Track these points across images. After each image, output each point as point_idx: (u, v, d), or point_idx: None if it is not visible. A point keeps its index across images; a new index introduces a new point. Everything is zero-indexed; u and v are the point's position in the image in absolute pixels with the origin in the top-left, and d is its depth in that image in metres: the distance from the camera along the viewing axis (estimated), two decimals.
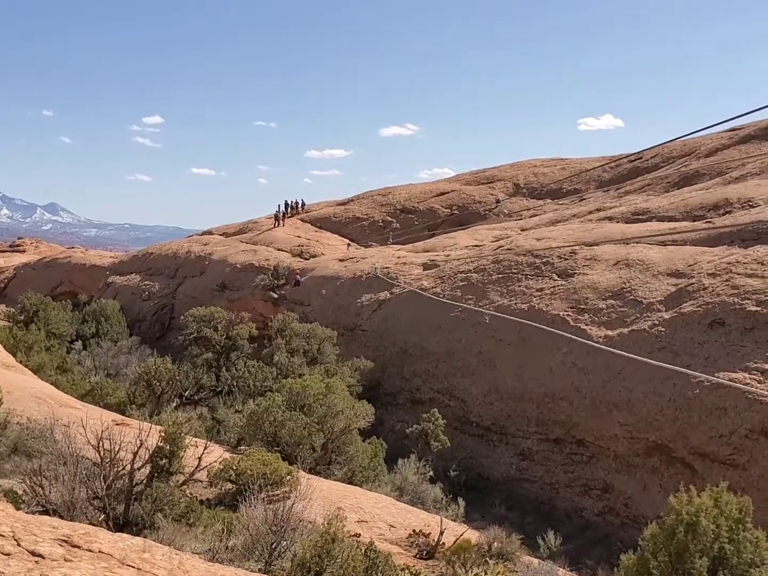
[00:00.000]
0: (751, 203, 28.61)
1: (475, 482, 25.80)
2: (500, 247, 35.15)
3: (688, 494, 14.86)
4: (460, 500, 22.32)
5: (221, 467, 15.83)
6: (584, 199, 45.89)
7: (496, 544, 14.28)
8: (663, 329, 23.24)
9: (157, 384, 29.35)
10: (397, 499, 19.43)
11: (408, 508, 17.85)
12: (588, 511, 22.81)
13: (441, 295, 33.61)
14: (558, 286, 28.79)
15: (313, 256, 50.66)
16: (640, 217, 33.36)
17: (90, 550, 5.63)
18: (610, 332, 24.64)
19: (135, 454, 13.03)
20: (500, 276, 31.91)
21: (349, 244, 53.30)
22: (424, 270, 37.70)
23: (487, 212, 52.33)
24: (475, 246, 39.18)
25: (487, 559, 14.13)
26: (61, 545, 5.61)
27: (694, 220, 29.88)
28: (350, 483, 20.75)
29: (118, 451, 12.66)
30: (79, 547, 5.65)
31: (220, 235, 65.98)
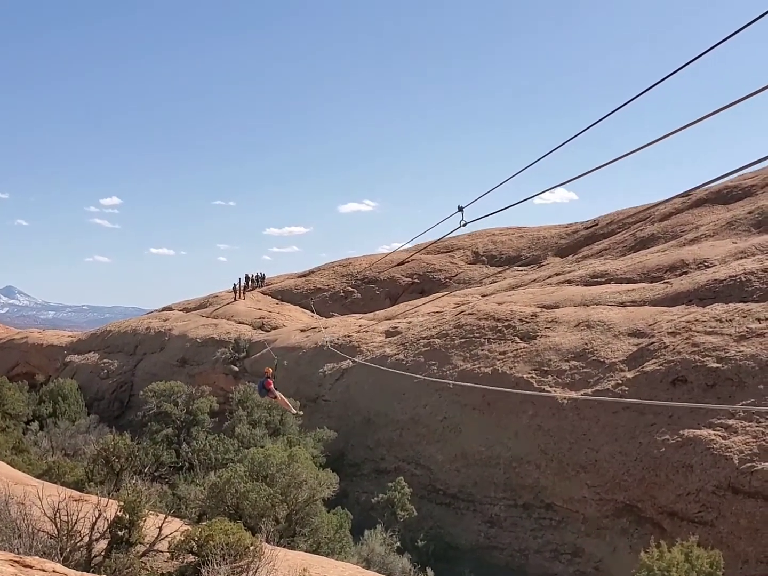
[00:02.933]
0: (706, 263, 29.12)
1: (443, 552, 25.20)
2: (462, 312, 35.22)
3: (659, 549, 14.69)
4: (429, 571, 21.78)
5: (182, 538, 15.22)
6: (543, 265, 46.43)
7: None
8: (626, 388, 23.26)
9: (116, 461, 28.52)
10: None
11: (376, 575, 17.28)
12: None
13: (404, 362, 33.44)
14: (521, 348, 28.80)
15: (275, 328, 50.32)
16: (598, 279, 33.75)
17: (43, 570, 5.31)
18: (574, 393, 24.57)
19: (93, 525, 12.53)
20: (463, 341, 31.87)
21: (312, 315, 53.10)
22: (386, 337, 37.56)
23: (447, 280, 52.65)
24: (437, 312, 39.22)
25: None
26: (12, 565, 5.27)
27: (651, 281, 30.28)
28: (315, 554, 20.10)
29: (75, 523, 12.16)
30: (31, 567, 5.32)
31: (180, 310, 65.40)
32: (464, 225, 9.62)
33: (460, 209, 9.47)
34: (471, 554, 24.79)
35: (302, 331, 45.22)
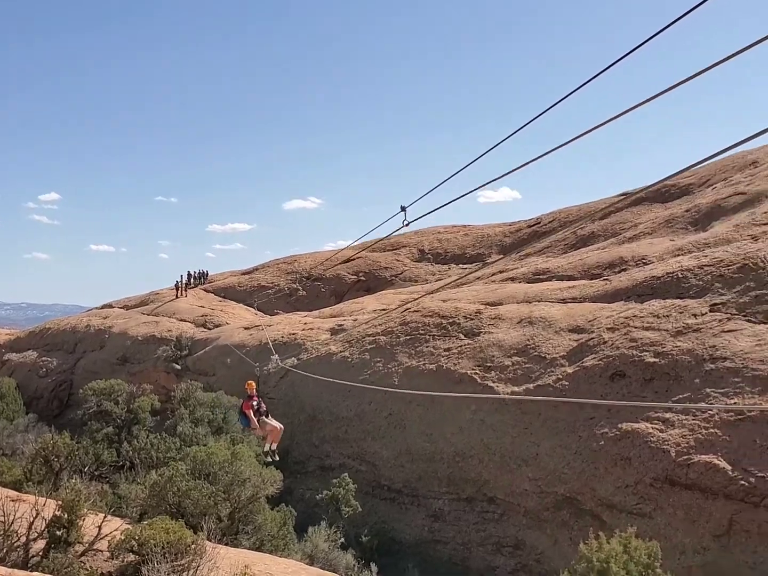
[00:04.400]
0: (644, 261, 29.72)
1: (387, 547, 25.28)
2: (407, 309, 35.35)
3: (598, 541, 14.94)
4: (373, 566, 21.84)
5: (123, 537, 15.00)
6: (487, 262, 46.87)
7: None
8: (567, 383, 23.62)
9: (55, 460, 27.99)
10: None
11: (319, 572, 17.29)
12: (501, 569, 22.59)
13: (350, 359, 33.44)
14: (465, 345, 29.03)
15: (218, 326, 49.87)
16: (540, 276, 34.21)
17: None
18: (516, 388, 24.87)
19: (30, 524, 12.26)
20: (408, 338, 32.00)
21: (256, 313, 52.75)
22: (331, 335, 37.48)
23: (393, 278, 52.83)
24: (383, 310, 39.30)
25: None
26: None
27: (592, 279, 30.80)
28: (258, 552, 20.00)
29: (11, 523, 11.88)
30: None
31: (121, 307, 64.45)
32: (407, 225, 9.67)
33: (403, 209, 9.52)
34: (415, 548, 24.93)
35: (246, 329, 44.87)
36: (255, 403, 17.04)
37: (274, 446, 17.75)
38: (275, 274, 60.52)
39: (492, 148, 7.41)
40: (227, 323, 49.89)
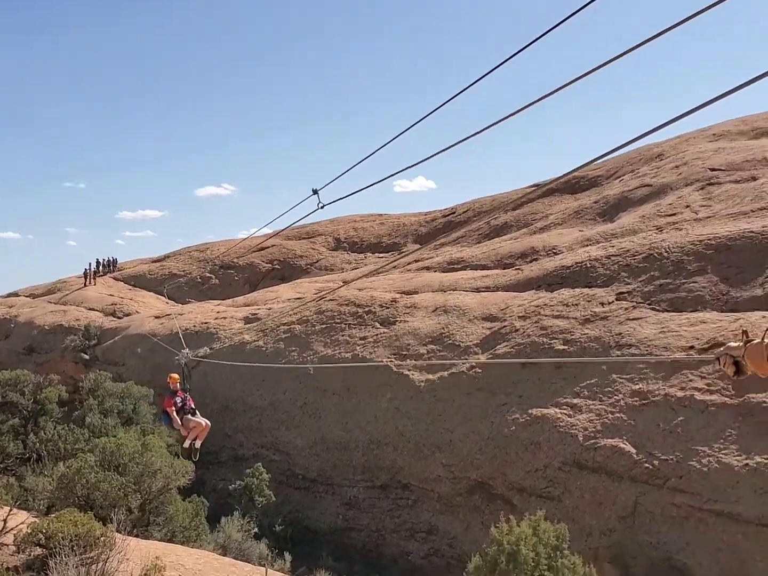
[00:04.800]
0: (555, 251, 30.41)
1: (301, 535, 25.26)
2: (323, 298, 35.26)
3: (508, 525, 15.25)
4: (287, 554, 21.81)
5: (29, 530, 14.54)
6: (403, 251, 47.15)
7: None
8: (480, 370, 23.99)
9: None
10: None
11: (232, 561, 17.14)
12: (414, 554, 22.85)
13: (264, 348, 33.17)
14: (381, 333, 29.16)
15: (128, 315, 48.77)
16: (455, 266, 34.63)
17: None
18: (431, 376, 25.12)
19: None
20: (324, 326, 31.93)
21: (167, 301, 51.75)
22: (245, 324, 37.10)
23: (309, 266, 52.61)
24: (298, 298, 39.11)
25: None
26: None
27: (504, 268, 31.35)
28: (170, 543, 19.70)
29: None
30: None
31: (27, 296, 62.37)
32: (322, 207, 9.59)
33: (315, 192, 9.43)
34: (329, 536, 24.98)
35: (157, 317, 44.00)
36: (179, 399, 15.05)
37: (198, 444, 15.61)
38: (187, 262, 59.51)
39: (399, 135, 7.43)
40: (137, 312, 48.84)
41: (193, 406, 15.35)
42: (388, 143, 7.67)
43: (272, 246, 54.69)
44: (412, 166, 7.77)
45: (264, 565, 18.63)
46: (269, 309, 38.45)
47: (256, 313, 38.06)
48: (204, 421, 15.30)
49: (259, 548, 22.41)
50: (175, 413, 14.91)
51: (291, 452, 28.46)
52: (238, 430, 30.87)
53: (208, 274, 56.17)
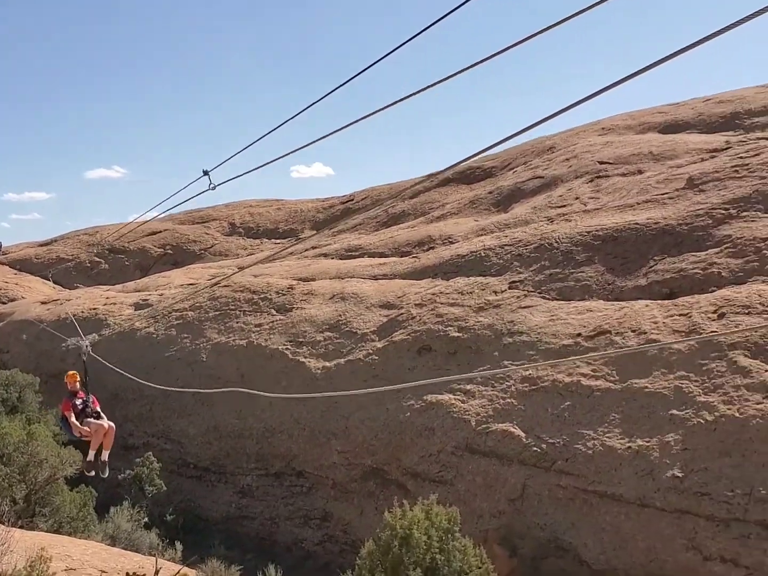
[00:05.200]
0: (451, 240, 30.84)
1: (193, 525, 24.90)
2: (217, 284, 34.68)
3: (401, 509, 15.40)
4: (178, 544, 21.47)
5: None
6: (300, 238, 46.90)
7: None
8: (377, 358, 24.12)
9: None
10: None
11: (122, 552, 16.71)
12: (308, 541, 22.86)
13: (155, 335, 32.39)
14: (277, 320, 28.91)
15: (13, 300, 46.76)
16: (353, 253, 34.67)
17: None
18: (327, 363, 25.10)
19: None
20: (218, 313, 31.41)
21: (53, 286, 49.88)
22: (135, 310, 36.14)
23: (202, 251, 51.65)
24: (191, 284, 38.34)
25: None
26: None
27: (402, 256, 31.58)
28: (57, 534, 19.07)
29: None
30: None
31: None
32: (213, 188, 9.38)
33: (206, 173, 9.22)
34: (222, 525, 24.70)
35: (43, 303, 42.32)
36: (80, 401, 13.03)
37: (105, 455, 13.21)
38: (76, 246, 57.47)
39: (292, 118, 7.35)
40: (23, 297, 46.88)
41: (98, 408, 13.31)
42: (280, 126, 7.58)
43: (164, 230, 53.42)
44: (306, 146, 7.70)
45: (154, 555, 18.26)
46: (161, 295, 37.55)
47: (147, 299, 37.10)
48: (106, 423, 13.11)
49: (149, 538, 22.01)
50: (74, 418, 12.80)
51: (183, 441, 27.95)
52: (128, 419, 30.03)
53: (97, 259, 54.43)
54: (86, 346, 14.03)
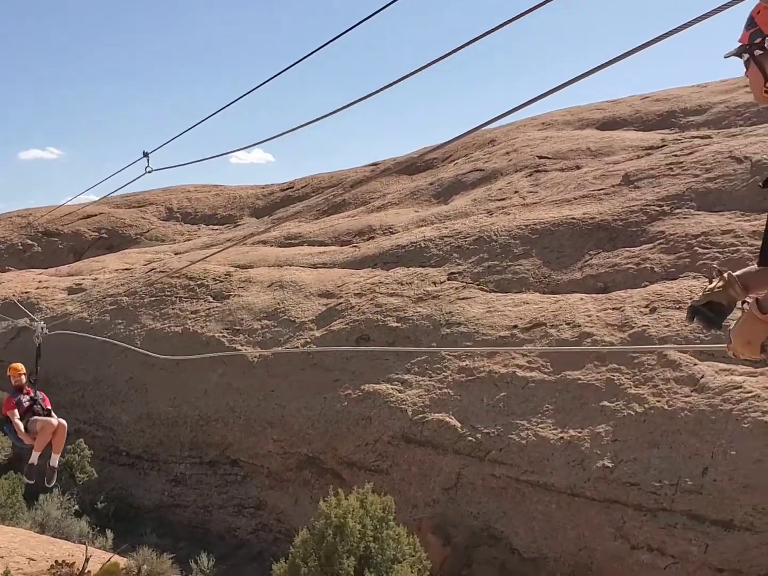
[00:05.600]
0: (391, 230, 30.87)
1: (124, 512, 24.55)
2: (153, 269, 34.14)
3: (336, 498, 15.44)
4: (109, 532, 21.19)
5: None
6: (239, 225, 46.42)
7: (145, 566, 13.59)
8: (315, 346, 24.05)
9: None
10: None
11: (50, 539, 16.44)
12: (242, 530, 22.74)
13: (88, 321, 31.75)
14: (213, 308, 28.61)
15: None
16: (292, 241, 34.45)
17: None
18: (265, 352, 24.94)
19: None
20: (153, 299, 30.93)
21: None
22: (69, 294, 35.36)
23: (138, 236, 50.71)
24: (126, 269, 37.67)
25: None
26: None
27: (342, 245, 31.51)
28: None
29: None
30: None
31: None
32: (149, 172, 9.23)
33: (146, 155, 9.07)
34: (154, 513, 24.41)
35: None
36: (27, 399, 11.42)
37: (54, 460, 11.46)
38: (7, 228, 55.80)
39: (230, 104, 7.27)
40: None
41: (48, 406, 11.75)
42: (220, 110, 7.48)
43: (100, 214, 52.27)
44: (253, 145, 7.62)
45: (84, 543, 17.99)
46: (95, 279, 36.80)
47: (81, 284, 36.33)
48: (56, 420, 11.44)
49: (79, 526, 21.69)
50: (17, 418, 11.02)
51: (115, 428, 27.50)
52: (60, 405, 29.15)
53: (30, 242, 52.98)
54: (41, 328, 11.87)
